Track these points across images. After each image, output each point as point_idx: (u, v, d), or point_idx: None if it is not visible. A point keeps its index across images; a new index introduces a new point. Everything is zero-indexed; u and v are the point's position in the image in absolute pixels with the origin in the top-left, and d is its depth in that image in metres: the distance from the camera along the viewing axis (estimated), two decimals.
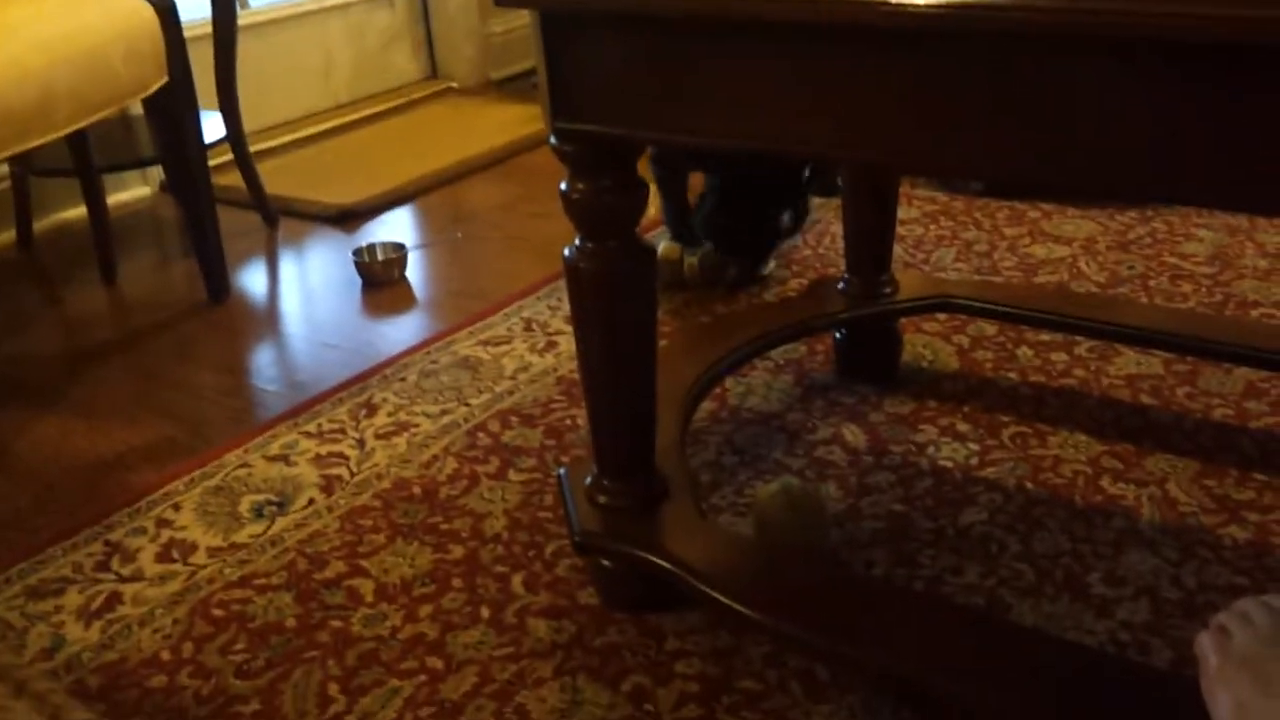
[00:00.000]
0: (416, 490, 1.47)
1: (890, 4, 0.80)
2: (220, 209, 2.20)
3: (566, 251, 1.13)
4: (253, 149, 2.52)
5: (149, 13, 1.89)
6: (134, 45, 1.86)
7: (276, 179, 2.66)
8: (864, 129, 0.90)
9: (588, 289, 1.13)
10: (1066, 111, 0.79)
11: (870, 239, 1.61)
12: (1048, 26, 0.76)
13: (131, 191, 2.70)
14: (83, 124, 1.81)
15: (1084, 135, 0.79)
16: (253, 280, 2.25)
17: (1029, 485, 1.40)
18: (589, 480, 1.25)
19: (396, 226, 2.48)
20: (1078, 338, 1.71)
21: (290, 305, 2.14)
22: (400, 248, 2.19)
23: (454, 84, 3.52)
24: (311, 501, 1.47)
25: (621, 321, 1.15)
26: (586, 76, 1.03)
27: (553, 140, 1.09)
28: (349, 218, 2.51)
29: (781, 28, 0.89)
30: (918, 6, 0.80)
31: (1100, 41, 0.76)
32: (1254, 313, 1.81)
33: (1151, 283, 1.93)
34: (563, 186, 1.10)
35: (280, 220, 2.52)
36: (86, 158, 2.16)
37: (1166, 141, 0.76)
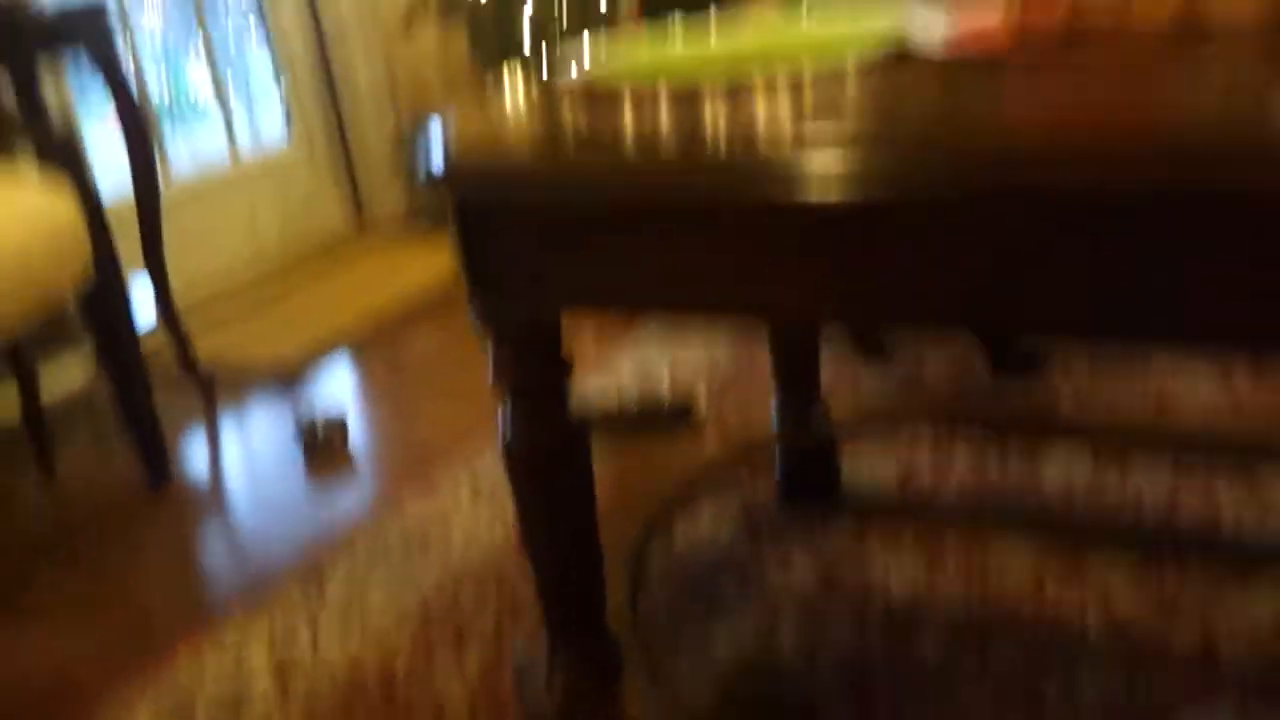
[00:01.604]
0: (372, 673, 1.46)
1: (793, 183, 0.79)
2: (154, 375, 2.17)
3: (500, 432, 1.15)
4: (181, 307, 2.50)
5: (72, 214, 1.86)
6: (59, 252, 1.82)
7: (209, 340, 2.66)
8: (789, 296, 0.89)
9: (523, 473, 1.14)
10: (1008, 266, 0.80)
11: (802, 359, 1.64)
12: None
13: (66, 371, 2.67)
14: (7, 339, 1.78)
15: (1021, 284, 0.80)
16: (193, 456, 2.24)
17: (977, 603, 1.42)
18: (542, 657, 1.24)
19: (334, 382, 2.49)
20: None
21: (234, 481, 2.12)
22: (342, 423, 2.16)
23: (381, 231, 3.57)
24: (266, 694, 1.45)
25: (558, 502, 1.15)
26: (507, 262, 1.01)
27: (473, 318, 1.09)
28: (286, 377, 2.52)
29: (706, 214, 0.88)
30: (826, 205, 0.80)
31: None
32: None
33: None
34: (490, 367, 1.11)
35: (217, 384, 2.51)
36: (20, 358, 2.14)
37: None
